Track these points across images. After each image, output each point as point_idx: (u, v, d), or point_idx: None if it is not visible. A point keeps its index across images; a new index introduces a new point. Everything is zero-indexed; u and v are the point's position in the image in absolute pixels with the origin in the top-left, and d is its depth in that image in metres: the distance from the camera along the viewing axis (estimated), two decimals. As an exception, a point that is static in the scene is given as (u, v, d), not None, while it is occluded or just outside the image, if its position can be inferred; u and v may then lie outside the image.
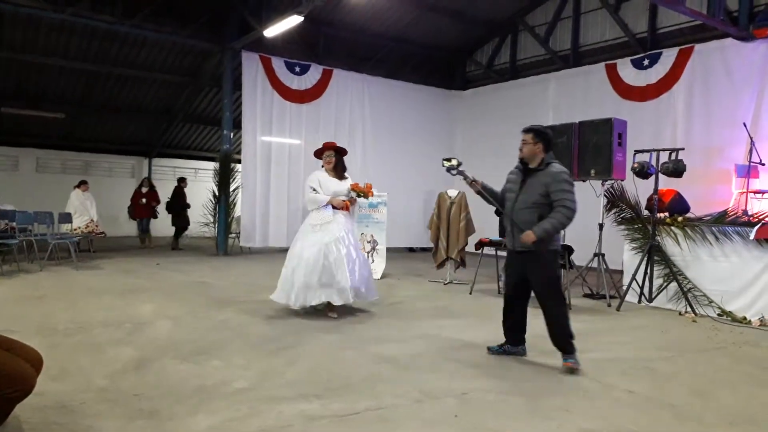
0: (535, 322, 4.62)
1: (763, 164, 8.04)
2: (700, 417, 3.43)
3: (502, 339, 4.68)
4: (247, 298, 6.88)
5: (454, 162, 4.61)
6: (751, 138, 7.94)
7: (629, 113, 9.31)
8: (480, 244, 7.91)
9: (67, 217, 10.72)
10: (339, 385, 3.77)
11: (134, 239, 13.96)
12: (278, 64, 12.14)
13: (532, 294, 4.50)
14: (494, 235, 8.35)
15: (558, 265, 4.54)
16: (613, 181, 7.52)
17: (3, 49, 11.73)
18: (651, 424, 3.29)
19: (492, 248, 7.83)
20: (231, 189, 12.10)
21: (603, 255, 7.57)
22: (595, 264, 7.63)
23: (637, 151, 7.45)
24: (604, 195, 7.62)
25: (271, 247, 12.07)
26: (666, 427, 3.28)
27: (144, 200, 12.91)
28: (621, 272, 7.81)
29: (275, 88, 12.10)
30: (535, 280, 4.40)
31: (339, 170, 6.09)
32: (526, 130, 4.48)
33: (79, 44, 12.16)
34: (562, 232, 4.87)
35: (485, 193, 4.59)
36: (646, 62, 10.52)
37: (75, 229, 10.85)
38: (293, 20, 9.89)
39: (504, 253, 8.12)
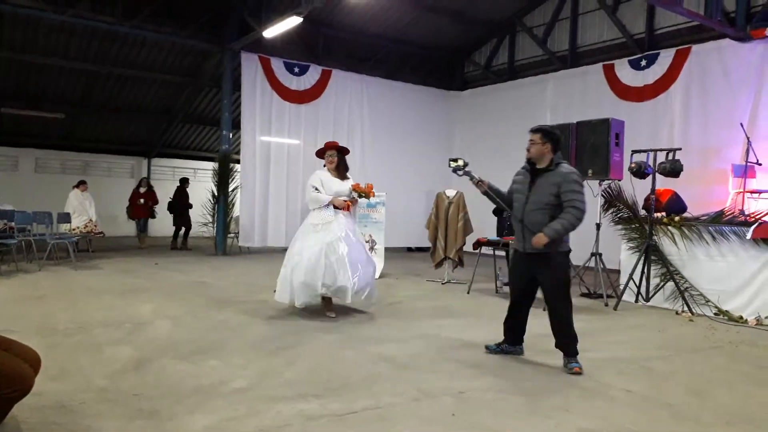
0: (535, 322, 4.64)
1: (760, 164, 8.06)
2: (697, 416, 3.45)
3: (499, 337, 4.69)
4: (246, 298, 6.89)
5: (460, 162, 4.58)
6: (748, 138, 7.96)
7: (627, 113, 9.34)
8: (478, 244, 7.93)
9: (66, 217, 10.73)
10: (338, 384, 3.79)
11: (133, 239, 13.97)
12: (277, 65, 12.16)
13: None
14: (492, 235, 8.39)
15: (568, 266, 4.50)
16: (610, 181, 7.55)
17: (3, 49, 11.73)
18: (648, 423, 3.31)
19: (490, 248, 7.85)
20: (230, 189, 12.12)
21: (600, 254, 7.59)
22: (592, 263, 7.65)
23: (634, 151, 7.48)
24: (602, 195, 7.65)
25: (269, 247, 12.08)
26: (663, 426, 3.30)
27: (142, 200, 12.92)
28: (618, 272, 7.82)
29: (274, 89, 12.11)
30: (546, 282, 4.37)
31: (341, 170, 6.07)
32: (534, 130, 4.41)
33: (79, 44, 12.17)
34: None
35: (492, 193, 4.55)
36: (643, 63, 10.54)
37: (74, 229, 10.85)
38: (292, 21, 9.90)
39: (502, 253, 8.20)
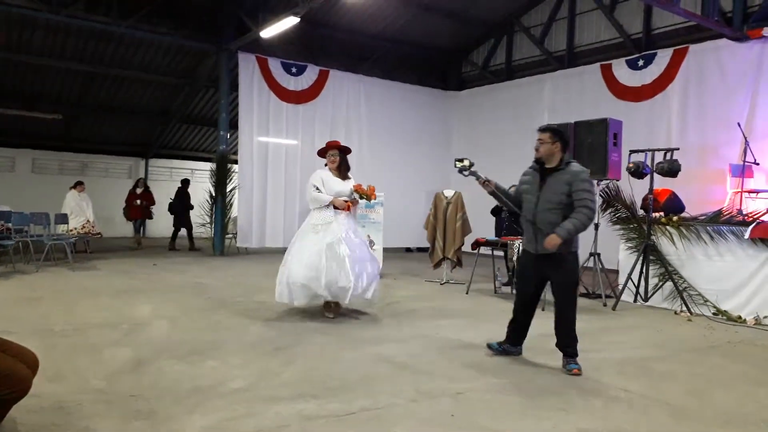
0: (535, 322, 4.63)
1: (758, 164, 8.09)
2: (695, 416, 3.45)
3: (498, 337, 4.68)
4: (243, 298, 6.88)
5: (466, 162, 4.54)
6: (745, 138, 7.98)
7: (624, 113, 9.33)
8: (476, 244, 7.93)
9: (63, 218, 10.71)
10: (336, 385, 3.78)
11: (131, 240, 13.92)
12: (275, 65, 12.15)
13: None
14: (490, 235, 8.38)
15: (578, 267, 4.47)
16: (608, 181, 7.55)
17: (-1, 49, 11.73)
18: (647, 423, 3.31)
19: (488, 248, 7.85)
20: (228, 189, 12.09)
21: (599, 254, 7.60)
22: (590, 263, 7.65)
23: (632, 151, 7.48)
24: (600, 195, 7.65)
25: (267, 248, 12.07)
26: (662, 426, 3.29)
27: (139, 201, 12.89)
28: (617, 272, 7.84)
29: (272, 89, 12.10)
30: (557, 282, 4.34)
31: (342, 170, 6.04)
32: (543, 129, 4.39)
33: (76, 45, 12.15)
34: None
35: (498, 193, 4.51)
36: (641, 63, 10.55)
37: (71, 230, 10.83)
38: (290, 21, 9.90)
39: (500, 253, 8.20)
